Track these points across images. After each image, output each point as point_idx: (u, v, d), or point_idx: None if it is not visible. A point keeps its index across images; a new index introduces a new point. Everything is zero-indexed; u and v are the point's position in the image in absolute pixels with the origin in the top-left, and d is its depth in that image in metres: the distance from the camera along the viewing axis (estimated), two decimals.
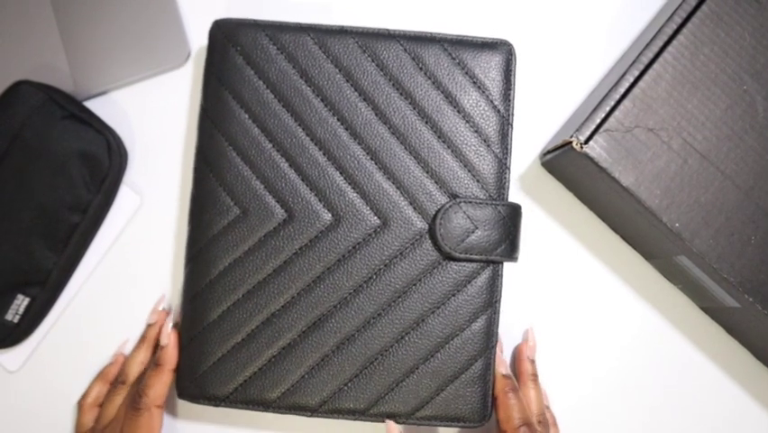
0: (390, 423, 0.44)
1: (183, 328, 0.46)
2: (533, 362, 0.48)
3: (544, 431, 0.44)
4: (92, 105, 0.51)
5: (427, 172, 0.46)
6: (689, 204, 0.43)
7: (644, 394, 0.50)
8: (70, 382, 0.50)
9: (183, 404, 0.50)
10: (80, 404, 0.47)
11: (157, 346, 0.49)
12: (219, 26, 0.48)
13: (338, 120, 0.46)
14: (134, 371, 0.47)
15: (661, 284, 0.51)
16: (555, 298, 0.51)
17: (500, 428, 0.44)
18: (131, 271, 0.51)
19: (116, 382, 0.47)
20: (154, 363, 0.45)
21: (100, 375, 0.48)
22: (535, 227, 0.51)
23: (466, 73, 0.47)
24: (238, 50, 0.47)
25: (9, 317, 0.47)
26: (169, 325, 0.47)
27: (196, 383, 0.45)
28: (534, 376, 0.47)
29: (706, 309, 0.50)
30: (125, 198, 0.51)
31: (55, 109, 0.48)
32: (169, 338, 0.46)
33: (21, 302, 0.48)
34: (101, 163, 0.48)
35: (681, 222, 0.43)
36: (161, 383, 0.45)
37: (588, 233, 0.51)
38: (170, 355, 0.45)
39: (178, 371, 0.46)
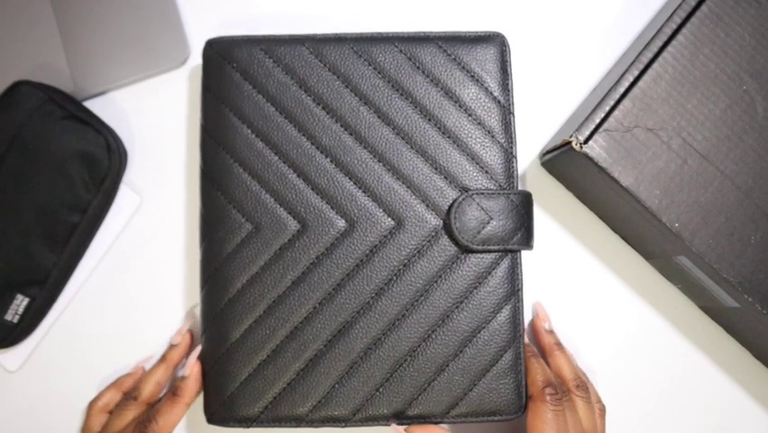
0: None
1: (205, 351, 0.45)
2: (551, 332, 0.48)
3: (584, 394, 0.44)
4: (92, 105, 0.51)
5: (436, 169, 0.46)
6: (688, 204, 0.43)
7: (644, 394, 0.50)
8: (70, 382, 0.50)
9: (209, 428, 0.48)
10: (90, 406, 0.47)
11: (176, 368, 0.48)
12: (212, 45, 0.47)
13: (342, 126, 0.46)
14: (148, 390, 0.46)
15: (661, 284, 0.51)
16: (555, 298, 0.51)
17: (528, 394, 0.44)
18: (130, 271, 0.51)
19: (128, 396, 0.46)
20: (172, 391, 0.44)
21: (115, 383, 0.48)
22: (535, 227, 0.51)
23: (463, 68, 0.47)
24: (234, 66, 0.47)
25: (9, 317, 0.47)
26: (195, 355, 0.45)
27: (224, 406, 0.44)
28: (558, 345, 0.47)
29: (705, 309, 0.50)
30: (125, 198, 0.51)
31: (54, 109, 0.48)
32: (192, 370, 0.45)
33: (20, 302, 0.48)
34: (100, 163, 0.48)
35: (680, 222, 0.43)
36: (174, 414, 0.44)
37: (588, 233, 0.51)
38: (191, 388, 0.44)
39: (205, 395, 0.45)
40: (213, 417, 0.45)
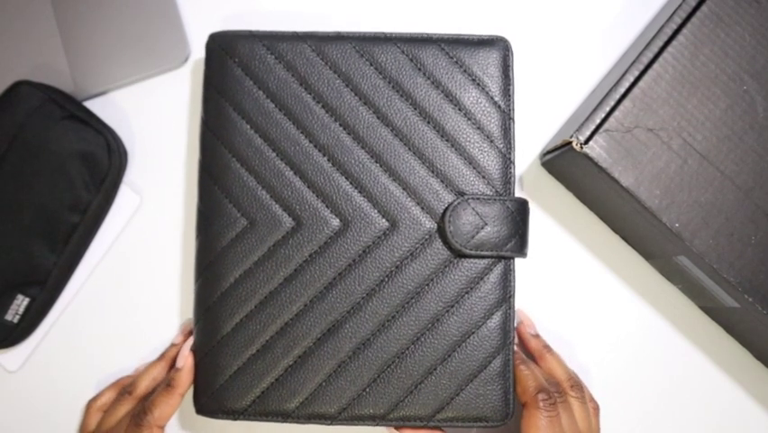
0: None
1: (197, 343, 0.46)
2: (537, 336, 0.48)
3: (579, 394, 0.44)
4: (92, 105, 0.51)
5: (432, 172, 0.46)
6: (688, 204, 0.44)
7: (644, 394, 0.50)
8: (70, 382, 0.50)
9: (199, 419, 0.49)
10: (89, 405, 0.47)
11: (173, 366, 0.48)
12: (215, 39, 0.47)
13: (340, 125, 0.46)
14: (144, 385, 0.46)
15: (661, 284, 0.51)
16: (555, 298, 0.51)
17: (521, 402, 0.44)
18: (130, 271, 0.51)
19: (123, 392, 0.46)
20: (166, 383, 0.45)
21: (115, 384, 0.48)
22: (535, 227, 0.51)
23: (465, 71, 0.47)
24: (236, 61, 0.47)
25: (9, 317, 0.47)
26: (187, 347, 0.46)
27: (213, 398, 0.45)
28: (546, 347, 0.47)
29: (705, 309, 0.50)
30: (125, 198, 0.51)
31: (55, 109, 0.48)
32: (185, 361, 0.45)
33: (20, 302, 0.48)
34: (101, 163, 0.48)
35: (680, 222, 0.43)
36: (168, 405, 0.44)
37: (588, 233, 0.51)
38: (184, 379, 0.45)
39: (195, 386, 0.46)
40: (202, 408, 0.45)
